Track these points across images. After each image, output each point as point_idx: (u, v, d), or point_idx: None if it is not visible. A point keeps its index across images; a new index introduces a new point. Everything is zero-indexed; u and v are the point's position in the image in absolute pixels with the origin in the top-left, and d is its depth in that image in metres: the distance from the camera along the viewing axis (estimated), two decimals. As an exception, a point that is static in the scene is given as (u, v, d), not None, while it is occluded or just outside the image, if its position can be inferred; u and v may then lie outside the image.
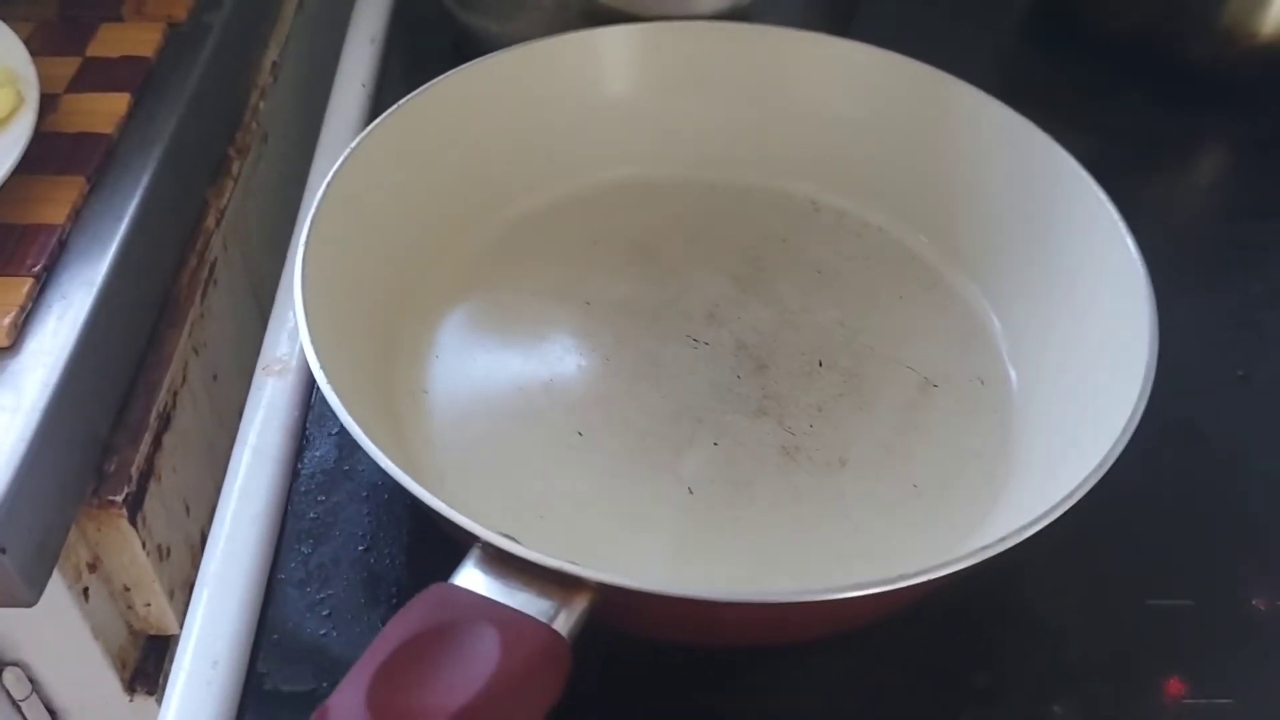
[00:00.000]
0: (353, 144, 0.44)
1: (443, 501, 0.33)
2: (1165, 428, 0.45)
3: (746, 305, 0.49)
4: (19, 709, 0.50)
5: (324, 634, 0.38)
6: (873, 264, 0.51)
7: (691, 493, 0.42)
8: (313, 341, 0.37)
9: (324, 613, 0.39)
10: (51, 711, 0.52)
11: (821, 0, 0.58)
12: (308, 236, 0.41)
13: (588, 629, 0.33)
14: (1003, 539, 0.34)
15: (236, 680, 0.37)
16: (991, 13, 0.69)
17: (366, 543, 0.41)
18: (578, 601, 0.32)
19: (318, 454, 0.43)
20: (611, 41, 0.51)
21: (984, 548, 0.34)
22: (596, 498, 0.42)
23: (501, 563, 0.33)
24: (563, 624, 0.32)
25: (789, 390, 0.46)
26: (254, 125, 0.61)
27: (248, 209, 0.61)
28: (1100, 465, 0.35)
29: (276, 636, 0.38)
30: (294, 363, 0.45)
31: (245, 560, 0.39)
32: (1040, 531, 0.34)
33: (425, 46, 0.62)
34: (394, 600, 0.39)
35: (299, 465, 0.43)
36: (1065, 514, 0.34)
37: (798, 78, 0.52)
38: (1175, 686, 0.39)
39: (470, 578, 0.33)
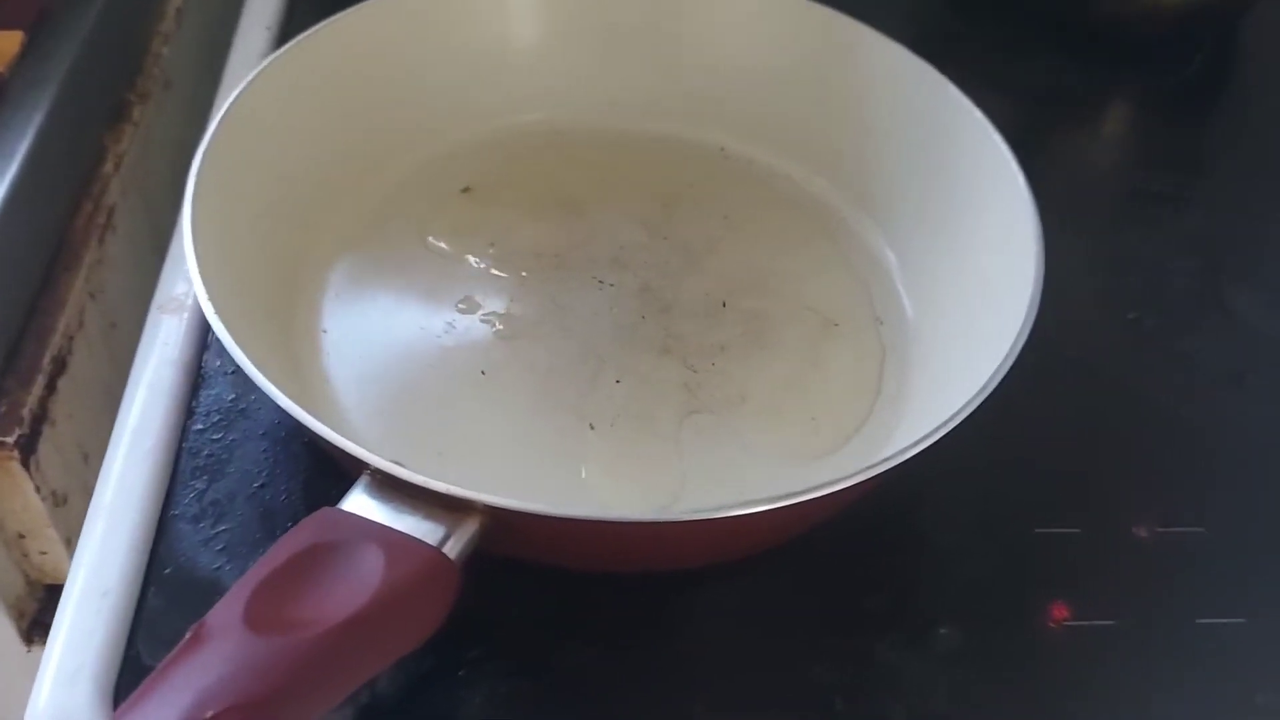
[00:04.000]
0: (247, 79, 0.44)
1: (339, 434, 0.33)
2: (1057, 365, 0.46)
3: (653, 249, 0.49)
4: (-89, 660, 0.49)
5: (217, 568, 0.38)
6: (779, 209, 0.52)
7: (593, 429, 0.42)
8: (201, 274, 0.37)
9: (218, 547, 0.39)
10: (-54, 663, 0.51)
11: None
12: (198, 171, 0.40)
13: (479, 554, 0.33)
14: (874, 465, 0.34)
15: (127, 610, 0.36)
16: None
17: (263, 479, 0.41)
18: (467, 525, 0.32)
19: (214, 392, 0.43)
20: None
21: (865, 469, 0.34)
22: (497, 435, 0.42)
23: (390, 488, 0.33)
24: (451, 547, 0.32)
25: (692, 330, 0.46)
26: (156, 71, 0.60)
27: (150, 157, 0.59)
28: (980, 392, 0.36)
29: (169, 570, 0.38)
30: (190, 301, 0.45)
31: (137, 495, 0.39)
32: (933, 459, 0.35)
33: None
34: (289, 536, 0.39)
35: (194, 403, 0.42)
36: (957, 443, 0.35)
37: (704, 24, 0.52)
38: (1059, 610, 0.40)
39: (359, 503, 0.32)
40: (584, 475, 0.41)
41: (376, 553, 0.30)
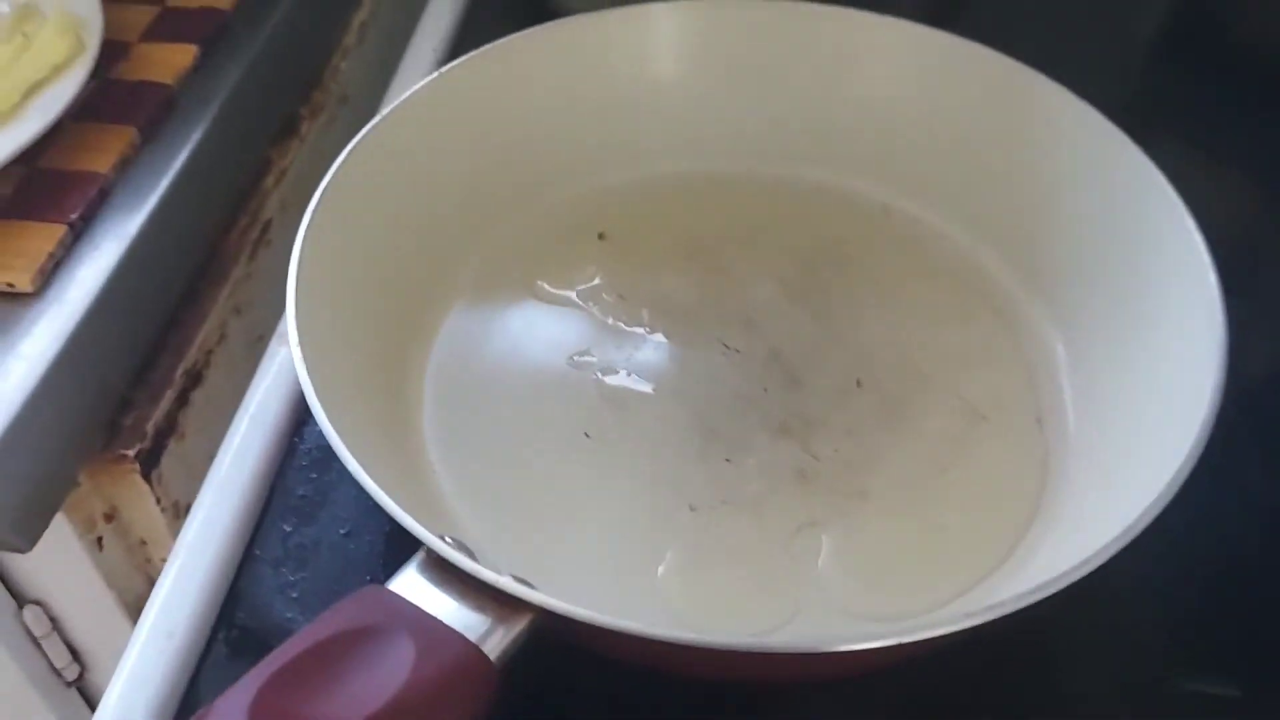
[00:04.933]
0: (376, 118, 0.43)
1: (395, 502, 0.31)
2: (1236, 489, 0.40)
3: (791, 313, 0.46)
4: (39, 646, 0.51)
5: (290, 618, 0.37)
6: (940, 279, 0.47)
7: (693, 510, 0.39)
8: (297, 311, 0.36)
9: (293, 595, 0.38)
10: (73, 650, 0.52)
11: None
12: (315, 208, 0.40)
13: (529, 649, 0.31)
14: (981, 611, 0.30)
15: (191, 654, 0.36)
16: (1129, 15, 0.62)
17: (349, 527, 0.40)
18: (516, 621, 0.30)
19: (318, 429, 0.42)
20: (668, 18, 0.48)
21: (973, 614, 0.30)
22: (591, 504, 0.40)
23: (444, 570, 0.31)
24: (494, 644, 0.30)
25: (819, 410, 0.42)
26: (333, 86, 0.61)
27: (315, 171, 0.60)
28: (1123, 534, 0.31)
29: (242, 614, 0.37)
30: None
31: (222, 531, 0.39)
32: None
33: (509, 12, 0.60)
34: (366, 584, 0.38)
35: (297, 440, 0.42)
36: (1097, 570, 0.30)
37: (873, 67, 0.48)
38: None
39: (408, 583, 0.31)
40: (677, 563, 0.38)
41: (409, 644, 0.29)
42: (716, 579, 0.38)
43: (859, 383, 0.43)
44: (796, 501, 0.40)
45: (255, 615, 0.37)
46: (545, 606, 0.30)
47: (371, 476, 0.32)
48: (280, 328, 0.45)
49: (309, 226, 0.39)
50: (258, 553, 0.39)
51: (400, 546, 0.38)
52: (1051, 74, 0.45)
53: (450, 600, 0.30)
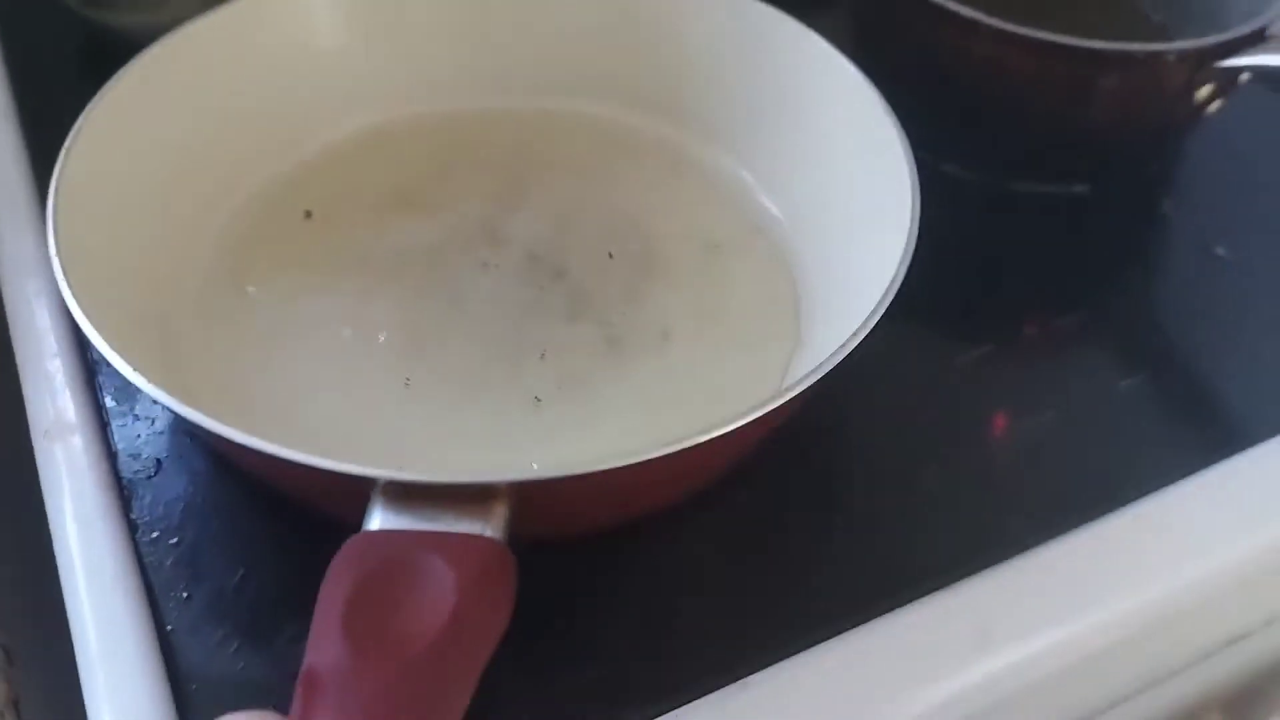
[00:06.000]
0: (56, 174, 0.40)
1: (340, 463, 0.31)
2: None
3: (522, 220, 0.49)
4: None
5: (242, 668, 0.36)
6: (625, 155, 0.52)
7: (539, 401, 0.42)
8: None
9: (232, 648, 0.36)
10: None
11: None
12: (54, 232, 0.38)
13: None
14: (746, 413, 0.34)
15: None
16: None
17: (243, 566, 0.38)
18: (497, 510, 0.31)
19: (147, 499, 0.40)
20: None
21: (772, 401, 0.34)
22: (451, 435, 0.41)
23: (409, 498, 0.31)
24: (496, 533, 0.31)
25: (593, 286, 0.46)
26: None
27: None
28: (850, 338, 0.36)
29: (195, 686, 0.35)
30: (71, 416, 0.42)
31: (125, 628, 0.36)
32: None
33: (51, 58, 0.57)
34: (295, 609, 0.37)
35: (132, 516, 0.39)
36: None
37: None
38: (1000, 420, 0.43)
39: (385, 521, 0.31)
40: (550, 449, 0.40)
41: (437, 560, 0.29)
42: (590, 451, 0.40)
43: (610, 254, 0.48)
44: (617, 362, 0.44)
45: (207, 679, 0.35)
46: (525, 481, 0.32)
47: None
48: (39, 424, 0.41)
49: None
50: (170, 627, 0.37)
51: (301, 554, 0.37)
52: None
53: (434, 517, 0.31)
